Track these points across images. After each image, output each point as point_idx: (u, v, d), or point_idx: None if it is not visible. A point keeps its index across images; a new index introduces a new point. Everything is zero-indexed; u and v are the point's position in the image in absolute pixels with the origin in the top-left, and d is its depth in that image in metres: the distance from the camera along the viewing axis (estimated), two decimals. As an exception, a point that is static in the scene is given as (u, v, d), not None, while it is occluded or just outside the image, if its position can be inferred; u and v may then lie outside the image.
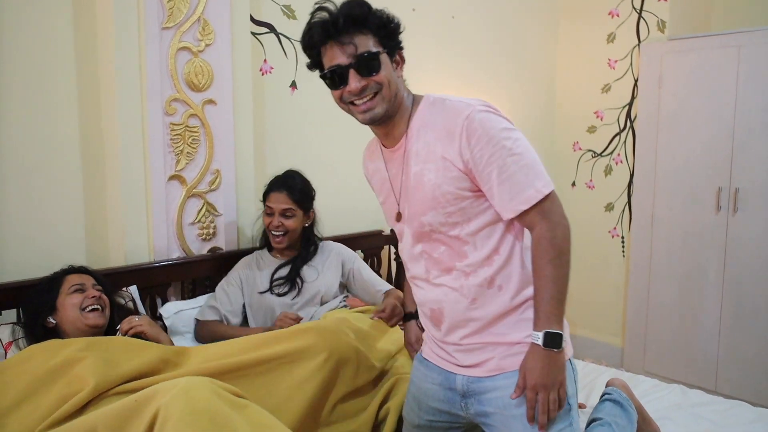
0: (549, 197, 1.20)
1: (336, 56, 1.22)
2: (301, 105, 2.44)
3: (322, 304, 2.06)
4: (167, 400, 1.12)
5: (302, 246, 2.12)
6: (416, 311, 1.51)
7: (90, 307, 1.63)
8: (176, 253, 2.06)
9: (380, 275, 2.70)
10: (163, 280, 2.02)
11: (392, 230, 1.42)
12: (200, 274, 2.11)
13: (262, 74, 2.31)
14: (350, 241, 2.51)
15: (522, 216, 1.20)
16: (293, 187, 2.05)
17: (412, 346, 1.57)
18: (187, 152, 2.04)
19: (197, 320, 2.00)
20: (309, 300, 2.04)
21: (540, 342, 1.17)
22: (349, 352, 1.57)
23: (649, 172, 3.23)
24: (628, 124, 3.40)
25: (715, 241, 2.96)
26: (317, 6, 1.22)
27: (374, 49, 1.22)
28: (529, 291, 1.24)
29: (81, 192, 1.92)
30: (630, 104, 3.37)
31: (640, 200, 3.29)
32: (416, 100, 1.31)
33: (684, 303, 3.07)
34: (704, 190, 2.98)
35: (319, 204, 2.17)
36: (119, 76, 1.86)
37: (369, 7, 1.23)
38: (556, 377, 1.19)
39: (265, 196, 2.07)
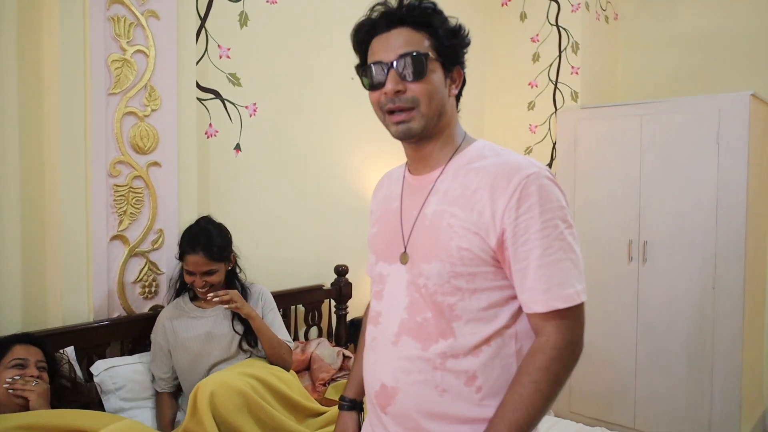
0: (580, 308, 0.97)
1: (380, 51, 1.02)
2: (246, 165, 2.54)
3: None
4: None
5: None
6: (360, 401, 1.26)
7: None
8: (117, 312, 2.06)
9: (321, 329, 2.77)
10: (102, 340, 2.01)
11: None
12: (141, 332, 2.10)
13: (208, 137, 2.41)
14: (292, 295, 2.60)
15: (544, 315, 0.96)
16: (209, 246, 1.92)
17: None
18: (131, 213, 2.08)
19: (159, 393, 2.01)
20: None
21: None
22: None
23: (568, 226, 3.49)
24: (550, 182, 3.68)
25: (628, 289, 3.21)
26: (377, 2, 1.05)
27: (424, 51, 1.00)
28: None
29: (19, 252, 1.91)
30: (550, 164, 3.66)
31: (562, 252, 3.53)
32: (468, 139, 1.10)
33: (603, 347, 3.28)
34: (617, 242, 3.25)
35: (262, 257, 2.24)
36: (64, 139, 1.90)
37: (434, 6, 1.03)
38: None
39: (182, 255, 1.96)
